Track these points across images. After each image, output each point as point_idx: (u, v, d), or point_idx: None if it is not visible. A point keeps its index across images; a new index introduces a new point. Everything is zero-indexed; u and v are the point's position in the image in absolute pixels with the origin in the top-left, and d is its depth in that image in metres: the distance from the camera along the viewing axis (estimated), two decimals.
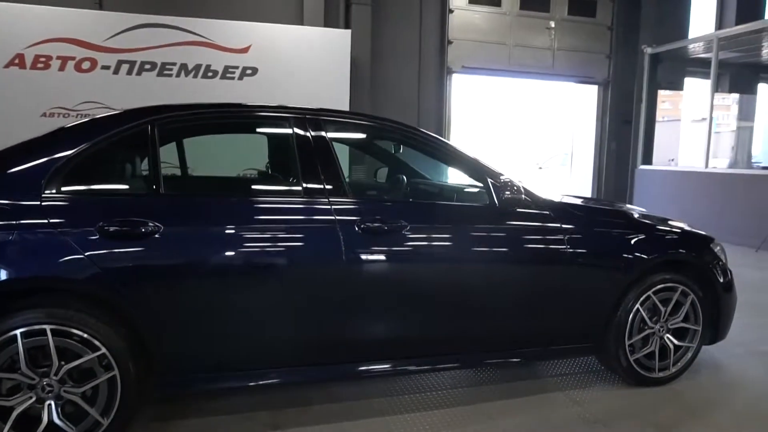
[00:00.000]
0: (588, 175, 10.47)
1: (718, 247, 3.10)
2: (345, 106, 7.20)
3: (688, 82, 10.54)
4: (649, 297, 2.84)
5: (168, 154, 2.96)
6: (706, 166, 8.57)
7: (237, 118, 2.74)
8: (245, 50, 7.13)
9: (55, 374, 2.02)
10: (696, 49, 9.24)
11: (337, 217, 2.37)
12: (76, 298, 2.10)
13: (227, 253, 2.24)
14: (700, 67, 9.55)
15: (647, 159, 9.82)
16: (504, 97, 13.24)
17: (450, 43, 8.96)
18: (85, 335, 2.04)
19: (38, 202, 2.06)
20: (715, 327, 3.03)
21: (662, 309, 2.88)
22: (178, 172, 3.19)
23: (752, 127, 10.86)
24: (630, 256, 2.80)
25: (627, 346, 2.82)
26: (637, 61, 9.68)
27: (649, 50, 9.47)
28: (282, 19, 7.64)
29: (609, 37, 9.84)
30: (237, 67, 7.13)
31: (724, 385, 3.03)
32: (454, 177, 3.31)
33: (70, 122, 2.39)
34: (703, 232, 3.15)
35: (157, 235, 2.12)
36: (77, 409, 2.06)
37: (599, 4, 9.73)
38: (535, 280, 2.69)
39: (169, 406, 2.58)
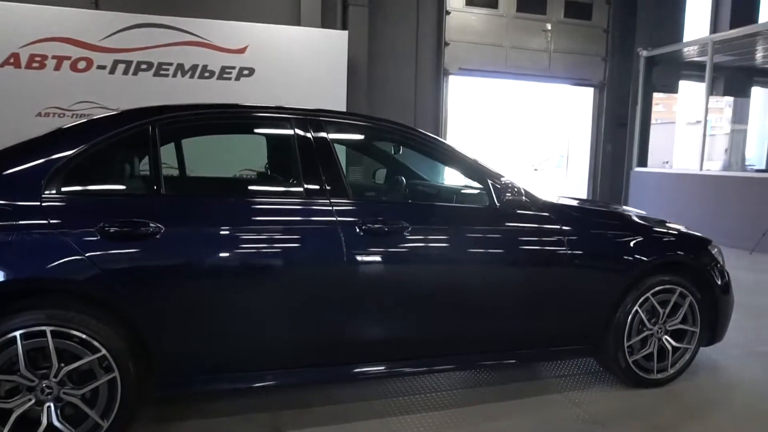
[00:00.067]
0: (583, 177, 10.51)
1: (716, 249, 3.12)
2: (342, 107, 7.20)
3: (683, 85, 10.61)
4: (647, 299, 2.85)
5: (168, 154, 2.94)
6: (701, 168, 8.63)
7: (238, 119, 2.74)
8: (242, 51, 7.11)
9: (55, 376, 2.00)
10: (691, 53, 9.31)
11: (339, 218, 2.36)
12: (76, 299, 2.08)
13: (229, 254, 2.23)
14: (694, 70, 9.62)
15: (642, 161, 9.88)
16: (500, 99, 13.27)
17: (447, 44, 8.98)
18: (85, 336, 2.02)
19: (38, 203, 2.05)
20: (713, 328, 3.05)
21: (661, 311, 2.89)
22: (179, 172, 3.18)
23: (746, 130, 10.95)
24: (629, 258, 2.81)
25: (626, 348, 2.83)
26: (633, 63, 9.74)
27: (644, 53, 9.53)
28: (279, 19, 7.63)
29: (605, 39, 9.89)
30: (234, 68, 7.10)
31: (723, 386, 3.05)
32: (451, 178, 3.31)
33: (70, 122, 2.38)
34: (701, 234, 3.17)
35: (158, 236, 2.11)
36: (77, 411, 2.05)
37: (595, 7, 9.78)
38: (537, 281, 2.69)
39: (169, 407, 2.57)
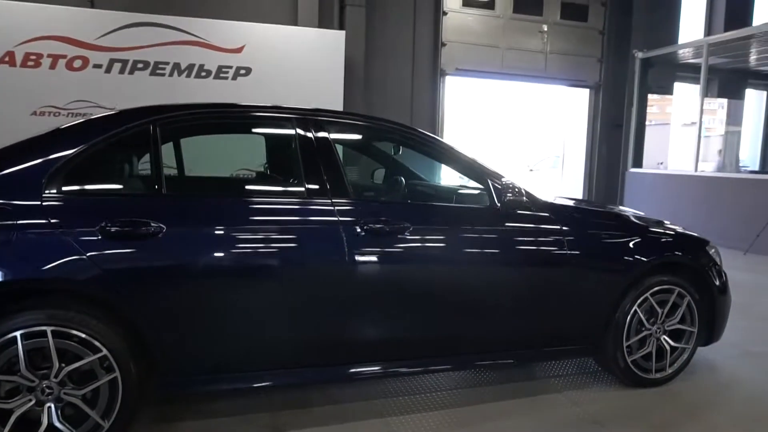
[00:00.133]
0: (579, 178, 10.56)
1: (714, 250, 3.14)
2: (339, 107, 7.19)
3: (678, 86, 10.68)
4: (646, 299, 2.86)
5: (167, 154, 2.92)
6: (696, 169, 8.69)
7: (238, 119, 2.73)
8: (239, 50, 7.10)
9: (55, 376, 1.99)
10: (686, 55, 9.37)
11: (340, 218, 2.36)
12: (76, 299, 2.07)
13: (230, 254, 2.22)
14: (689, 72, 9.67)
15: (637, 162, 9.93)
16: (496, 100, 13.29)
17: (444, 45, 8.99)
18: (86, 336, 2.01)
19: (39, 202, 2.03)
20: (711, 329, 3.07)
21: (659, 311, 2.91)
22: (178, 172, 3.16)
23: (740, 132, 11.03)
24: (629, 258, 2.83)
25: (625, 348, 2.84)
26: (628, 65, 9.79)
27: (640, 55, 9.58)
28: (276, 19, 7.62)
29: (601, 41, 9.94)
30: (231, 67, 7.08)
31: (720, 386, 3.07)
32: (449, 178, 3.31)
33: (67, 121, 2.36)
34: (699, 235, 3.19)
35: (159, 236, 2.10)
36: (77, 411, 2.04)
37: (591, 8, 9.82)
38: (538, 281, 2.70)
39: (169, 407, 2.56)
